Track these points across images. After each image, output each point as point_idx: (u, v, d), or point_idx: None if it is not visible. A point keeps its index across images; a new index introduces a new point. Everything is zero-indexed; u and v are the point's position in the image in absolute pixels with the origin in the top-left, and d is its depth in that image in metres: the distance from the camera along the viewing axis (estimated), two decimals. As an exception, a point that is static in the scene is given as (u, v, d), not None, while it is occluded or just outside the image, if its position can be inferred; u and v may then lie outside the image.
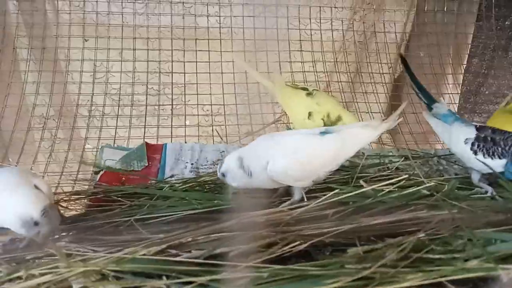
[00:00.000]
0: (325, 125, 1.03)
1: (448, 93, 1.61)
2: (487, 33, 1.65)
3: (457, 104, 1.63)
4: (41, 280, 0.58)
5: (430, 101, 0.99)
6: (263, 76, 1.19)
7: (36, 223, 0.67)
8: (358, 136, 0.83)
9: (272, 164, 0.76)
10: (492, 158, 0.85)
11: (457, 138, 0.90)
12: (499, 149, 0.84)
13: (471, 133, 0.88)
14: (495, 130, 0.87)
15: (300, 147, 0.80)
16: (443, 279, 0.58)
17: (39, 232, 0.67)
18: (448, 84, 1.62)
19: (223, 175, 0.80)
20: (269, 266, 0.59)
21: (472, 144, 0.87)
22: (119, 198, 0.88)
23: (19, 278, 0.60)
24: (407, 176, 0.86)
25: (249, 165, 0.77)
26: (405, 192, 0.82)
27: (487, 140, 0.86)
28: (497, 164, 0.84)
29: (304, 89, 1.10)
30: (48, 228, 0.67)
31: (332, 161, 0.80)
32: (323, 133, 0.82)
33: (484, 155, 0.85)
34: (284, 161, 0.77)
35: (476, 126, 0.90)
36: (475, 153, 0.86)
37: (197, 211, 0.81)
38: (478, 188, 0.90)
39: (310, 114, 1.05)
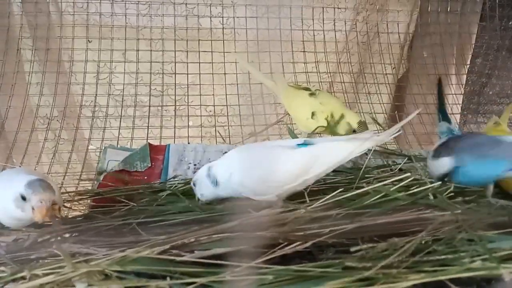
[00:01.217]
0: (328, 124, 1.03)
1: (452, 94, 1.60)
2: (490, 33, 1.64)
3: (461, 105, 1.63)
4: (45, 280, 0.58)
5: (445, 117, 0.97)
6: (265, 77, 1.19)
7: (23, 198, 0.67)
8: (338, 150, 0.77)
9: (233, 176, 0.76)
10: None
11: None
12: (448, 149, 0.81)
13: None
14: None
15: (263, 161, 0.77)
16: (445, 277, 0.58)
17: (33, 208, 0.66)
18: (452, 84, 1.62)
19: (194, 184, 0.81)
20: (271, 266, 0.59)
21: (434, 151, 0.85)
22: (123, 199, 0.88)
23: (23, 278, 0.61)
24: (409, 174, 0.85)
25: (216, 175, 0.78)
26: (408, 192, 0.81)
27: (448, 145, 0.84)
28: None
29: (306, 89, 1.10)
30: (36, 198, 0.66)
31: (299, 176, 0.76)
32: (300, 145, 0.78)
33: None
34: (242, 174, 0.76)
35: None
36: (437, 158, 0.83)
37: (199, 216, 0.82)
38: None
39: (313, 113, 1.05)
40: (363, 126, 1.02)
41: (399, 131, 0.78)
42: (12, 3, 1.37)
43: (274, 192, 0.76)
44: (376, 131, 0.87)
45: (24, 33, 1.39)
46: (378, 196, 0.79)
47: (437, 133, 0.97)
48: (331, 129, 1.05)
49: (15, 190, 0.67)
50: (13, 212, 0.68)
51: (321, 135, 1.13)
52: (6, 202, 0.68)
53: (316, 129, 1.06)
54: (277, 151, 0.78)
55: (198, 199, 0.83)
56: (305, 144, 0.78)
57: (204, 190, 0.81)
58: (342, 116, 1.02)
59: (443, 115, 0.98)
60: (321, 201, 0.76)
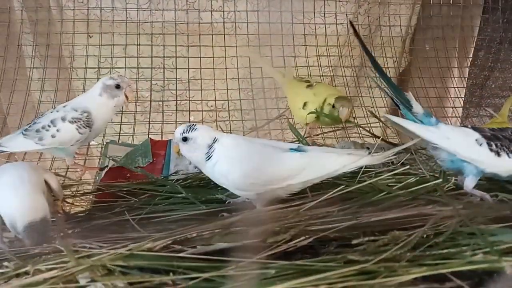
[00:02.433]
0: (316, 111, 1.05)
1: (454, 87, 1.60)
2: (493, 26, 1.63)
3: (463, 98, 1.62)
4: (48, 275, 0.59)
5: (406, 101, 0.83)
6: (275, 71, 1.22)
7: (18, 233, 0.69)
8: (330, 162, 0.76)
9: (217, 165, 0.75)
10: None
11: (466, 141, 0.78)
12: None
13: (472, 133, 0.79)
14: (489, 129, 0.79)
15: (252, 156, 0.76)
16: (447, 270, 0.58)
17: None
18: (454, 77, 1.61)
19: (185, 139, 0.75)
20: (274, 261, 0.59)
21: (489, 145, 0.76)
22: (124, 195, 0.88)
23: (26, 273, 0.61)
24: (408, 167, 0.85)
25: (215, 150, 0.75)
26: (412, 189, 0.81)
27: (499, 138, 0.76)
28: None
29: (307, 81, 1.13)
30: (28, 242, 0.68)
31: (284, 179, 0.74)
32: (293, 149, 0.77)
33: (508, 155, 0.75)
34: (227, 165, 0.75)
35: (466, 126, 0.82)
36: (498, 154, 0.76)
37: (202, 211, 0.82)
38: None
39: (305, 104, 1.08)
40: (341, 100, 1.04)
41: (395, 155, 0.78)
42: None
43: (255, 190, 0.75)
44: (372, 148, 0.85)
45: (24, 28, 1.39)
46: (382, 194, 0.79)
47: (410, 119, 0.83)
48: (320, 117, 1.08)
49: (13, 219, 0.69)
50: (7, 224, 0.70)
51: (310, 128, 1.15)
52: (6, 211, 0.70)
53: (306, 118, 1.09)
54: (268, 150, 0.77)
55: (177, 156, 0.81)
56: (298, 150, 0.77)
57: (194, 155, 0.76)
58: (325, 101, 1.05)
59: (403, 95, 0.83)
60: (324, 197, 0.76)
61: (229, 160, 0.75)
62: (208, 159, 0.75)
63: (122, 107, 1.36)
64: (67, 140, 0.92)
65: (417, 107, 0.82)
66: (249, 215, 0.71)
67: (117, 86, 0.91)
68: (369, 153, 0.78)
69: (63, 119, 0.90)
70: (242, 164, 0.75)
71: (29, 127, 0.93)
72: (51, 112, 0.93)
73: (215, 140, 0.75)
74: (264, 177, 0.74)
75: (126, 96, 0.93)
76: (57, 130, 0.90)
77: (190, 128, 0.75)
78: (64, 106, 0.93)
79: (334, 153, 0.78)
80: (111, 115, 0.96)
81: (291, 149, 0.77)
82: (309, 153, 0.77)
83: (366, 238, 0.65)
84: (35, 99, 1.35)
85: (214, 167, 0.75)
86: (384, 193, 0.81)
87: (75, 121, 0.90)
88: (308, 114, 1.07)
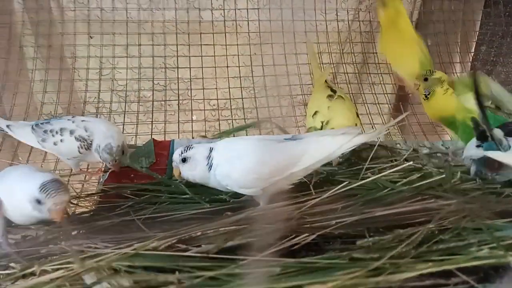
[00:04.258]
0: (321, 129, 1.00)
1: (456, 82, 1.59)
2: (495, 20, 1.62)
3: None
4: (54, 275, 0.59)
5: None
6: (317, 66, 1.22)
7: (38, 201, 0.66)
8: (327, 143, 0.76)
9: (219, 168, 0.75)
10: None
11: None
12: None
13: None
14: None
15: (250, 152, 0.76)
16: (453, 267, 0.58)
17: (48, 210, 0.66)
18: (456, 73, 1.60)
19: (184, 159, 0.77)
20: (279, 259, 0.59)
21: None
22: (128, 195, 0.89)
23: (32, 274, 0.61)
24: (411, 163, 0.85)
25: (213, 159, 0.76)
26: (416, 185, 0.81)
27: None
28: None
29: (332, 90, 1.06)
30: (51, 202, 0.65)
31: (286, 168, 0.74)
32: (288, 139, 0.78)
33: None
34: (228, 165, 0.75)
35: None
36: None
37: (205, 210, 0.82)
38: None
39: (315, 113, 1.02)
40: None
41: (387, 130, 0.78)
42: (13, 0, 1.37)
43: (259, 185, 0.75)
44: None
45: (26, 30, 1.39)
46: (386, 190, 0.79)
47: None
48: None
49: (30, 193, 0.66)
50: (30, 212, 0.67)
51: None
52: (21, 203, 0.67)
53: (309, 128, 1.04)
54: (264, 143, 0.77)
55: (179, 179, 0.82)
56: (294, 139, 0.78)
57: (197, 171, 0.78)
58: (327, 123, 0.98)
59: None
60: (328, 193, 0.76)
61: (229, 159, 0.76)
62: (210, 168, 0.76)
63: (125, 106, 1.37)
64: (66, 153, 0.95)
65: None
66: (262, 213, 0.71)
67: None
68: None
69: (72, 132, 0.93)
70: (242, 160, 0.75)
71: (41, 123, 0.96)
72: (68, 120, 0.95)
73: (211, 150, 0.77)
74: (266, 169, 0.74)
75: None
76: (61, 140, 0.93)
77: (186, 149, 0.78)
78: (82, 121, 0.95)
79: (328, 135, 0.78)
80: None
81: (285, 139, 0.78)
82: (305, 139, 0.77)
83: (371, 239, 0.64)
84: (38, 100, 1.36)
85: (216, 171, 0.76)
86: (388, 189, 0.80)
87: (80, 140, 0.92)
88: (309, 128, 1.03)
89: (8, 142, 1.19)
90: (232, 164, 0.75)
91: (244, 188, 0.76)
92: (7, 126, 0.98)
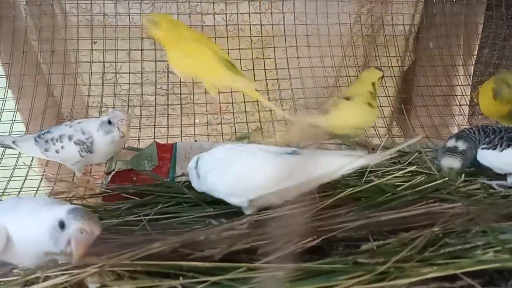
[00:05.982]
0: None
1: (459, 85, 1.59)
2: (497, 22, 1.62)
3: (469, 96, 1.61)
4: (58, 281, 0.59)
5: None
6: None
7: (61, 225, 0.58)
8: (326, 162, 0.71)
9: (209, 175, 0.76)
10: None
11: None
12: None
13: None
14: None
15: (240, 161, 0.75)
16: (458, 271, 0.57)
17: (69, 238, 0.58)
18: (459, 75, 1.60)
19: (187, 173, 0.83)
20: (283, 265, 0.59)
21: None
22: (131, 197, 0.89)
23: (36, 279, 0.61)
24: (415, 167, 0.84)
25: (200, 168, 0.78)
26: (418, 186, 0.81)
27: None
28: None
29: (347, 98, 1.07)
30: (76, 225, 0.57)
31: (277, 182, 0.70)
32: (288, 153, 0.74)
33: None
34: (217, 172, 0.75)
35: None
36: None
37: (209, 213, 0.82)
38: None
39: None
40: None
41: (393, 155, 0.80)
42: (17, 5, 1.38)
43: (247, 195, 0.73)
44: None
45: (30, 35, 1.40)
46: (389, 194, 0.79)
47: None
48: None
49: (55, 216, 0.59)
50: (44, 244, 0.59)
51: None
52: (37, 233, 0.60)
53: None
54: (258, 153, 0.75)
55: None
56: (294, 153, 0.74)
57: (193, 181, 0.81)
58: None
59: None
60: (332, 199, 0.76)
61: (219, 166, 0.76)
62: (199, 177, 0.78)
63: (128, 110, 1.37)
64: (69, 159, 0.97)
65: None
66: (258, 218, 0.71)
67: (109, 122, 0.93)
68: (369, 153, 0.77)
69: (70, 138, 0.94)
70: (232, 167, 0.75)
71: (42, 134, 0.97)
72: (65, 125, 0.97)
73: (197, 160, 0.80)
74: (255, 180, 0.72)
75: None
76: (62, 147, 0.94)
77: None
78: (78, 123, 0.96)
79: (330, 155, 0.75)
80: (111, 148, 0.98)
81: (287, 153, 0.74)
82: (304, 156, 0.74)
83: (375, 242, 0.64)
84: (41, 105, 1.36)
85: (206, 178, 0.77)
86: (391, 192, 0.80)
87: (79, 144, 0.93)
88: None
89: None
90: (222, 171, 0.75)
91: (232, 197, 0.75)
92: (13, 142, 1.00)
